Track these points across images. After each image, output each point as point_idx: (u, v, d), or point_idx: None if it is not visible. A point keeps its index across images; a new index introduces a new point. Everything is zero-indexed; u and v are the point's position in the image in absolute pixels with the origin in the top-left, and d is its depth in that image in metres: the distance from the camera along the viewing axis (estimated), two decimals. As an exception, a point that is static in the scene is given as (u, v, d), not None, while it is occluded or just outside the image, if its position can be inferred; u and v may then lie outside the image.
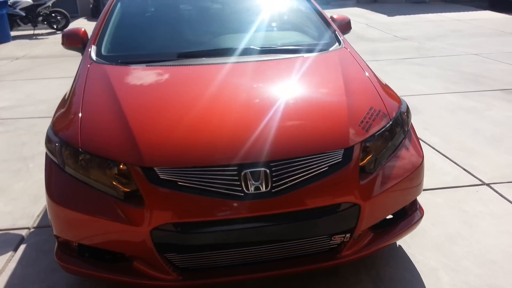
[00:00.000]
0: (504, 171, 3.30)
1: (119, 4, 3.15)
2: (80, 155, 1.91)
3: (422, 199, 2.90)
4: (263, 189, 1.78)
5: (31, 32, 11.96)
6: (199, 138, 1.88)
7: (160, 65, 2.50)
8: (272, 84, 2.30)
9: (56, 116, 2.24)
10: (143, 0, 3.34)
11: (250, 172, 1.78)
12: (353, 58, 2.64)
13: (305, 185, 1.81)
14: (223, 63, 2.51)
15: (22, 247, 2.53)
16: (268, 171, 1.79)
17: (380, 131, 2.03)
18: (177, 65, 2.50)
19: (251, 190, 1.77)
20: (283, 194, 1.79)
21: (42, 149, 3.90)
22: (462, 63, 7.14)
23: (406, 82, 5.91)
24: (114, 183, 1.84)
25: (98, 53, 2.68)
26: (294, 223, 1.82)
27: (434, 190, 3.05)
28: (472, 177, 3.22)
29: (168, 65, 2.50)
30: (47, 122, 4.57)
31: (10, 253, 2.47)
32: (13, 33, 11.21)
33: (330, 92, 2.23)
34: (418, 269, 2.27)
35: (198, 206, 1.76)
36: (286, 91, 2.20)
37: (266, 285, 2.18)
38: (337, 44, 2.84)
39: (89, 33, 3.04)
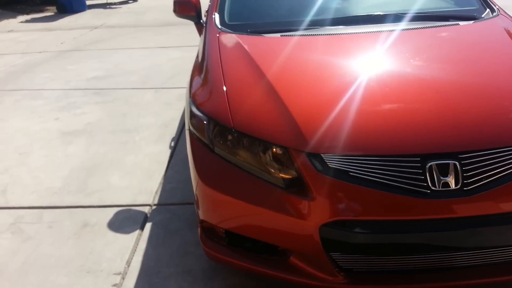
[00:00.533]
0: None
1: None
2: (232, 135, 1.73)
3: None
4: (453, 186, 1.52)
5: (104, 1, 12.13)
6: (373, 121, 1.63)
7: (300, 34, 2.27)
8: (445, 59, 2.00)
9: (194, 88, 2.08)
10: None
11: (436, 164, 1.52)
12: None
13: (504, 183, 1.53)
14: (372, 31, 2.23)
15: (148, 225, 2.45)
16: (457, 164, 1.52)
17: None
18: (319, 34, 2.25)
19: (439, 187, 1.51)
20: (478, 193, 1.52)
21: (144, 122, 3.85)
22: None
23: None
24: (274, 169, 1.65)
25: (222, 22, 2.50)
26: (489, 228, 1.55)
27: None
28: None
29: (308, 35, 2.26)
30: (142, 94, 4.55)
31: (137, 232, 2.40)
32: (88, 2, 11.40)
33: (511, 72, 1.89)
34: None
35: (374, 202, 1.53)
36: (466, 68, 1.90)
37: None
38: (489, 11, 2.47)
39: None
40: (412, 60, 1.97)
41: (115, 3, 11.89)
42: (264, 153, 1.67)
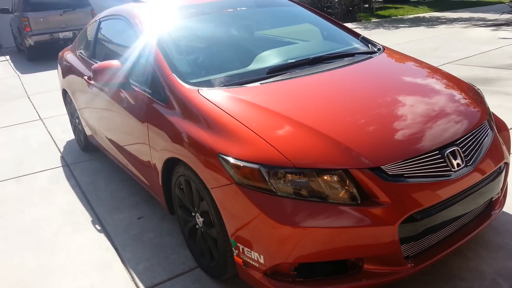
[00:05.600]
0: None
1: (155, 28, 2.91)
2: (294, 174, 1.86)
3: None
4: (462, 164, 2.04)
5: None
6: (402, 134, 2.02)
7: (272, 81, 2.48)
8: (393, 80, 2.55)
9: (220, 144, 2.05)
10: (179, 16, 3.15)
11: (449, 152, 2.02)
12: (406, 56, 3.06)
13: (484, 152, 2.16)
14: (322, 71, 2.61)
15: None
16: (458, 148, 2.06)
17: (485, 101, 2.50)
18: (286, 79, 2.49)
19: (456, 168, 2.01)
20: (476, 164, 2.08)
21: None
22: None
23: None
24: (340, 190, 1.85)
25: (185, 82, 2.47)
26: (487, 185, 2.14)
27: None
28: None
29: (276, 80, 2.48)
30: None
31: None
32: None
33: (440, 82, 2.58)
34: None
35: (427, 191, 1.92)
36: (414, 85, 2.50)
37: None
38: (372, 46, 3.21)
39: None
40: (379, 85, 2.45)
41: None
42: (328, 179, 1.85)
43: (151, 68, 2.65)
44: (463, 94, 2.45)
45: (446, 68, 6.83)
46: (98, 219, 3.24)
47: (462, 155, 2.05)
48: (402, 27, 12.63)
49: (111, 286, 2.48)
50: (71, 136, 5.20)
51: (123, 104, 2.94)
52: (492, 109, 4.75)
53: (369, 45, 3.21)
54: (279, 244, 1.85)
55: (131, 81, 2.86)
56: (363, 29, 13.04)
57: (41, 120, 6.09)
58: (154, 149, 2.56)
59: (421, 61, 2.96)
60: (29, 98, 7.47)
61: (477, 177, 2.08)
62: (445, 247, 2.07)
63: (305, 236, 1.82)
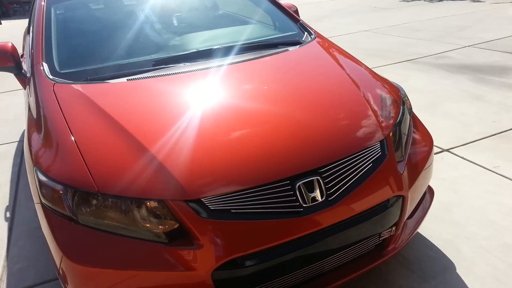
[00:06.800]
0: (452, 134, 3.61)
1: (52, 10, 2.66)
2: (98, 200, 1.57)
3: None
4: (320, 199, 1.66)
5: None
6: (240, 156, 1.65)
7: (148, 76, 2.16)
8: (281, 85, 2.12)
9: (38, 153, 1.80)
10: (79, 2, 2.86)
11: (303, 183, 1.64)
12: (335, 48, 2.60)
13: (357, 185, 1.73)
14: (210, 67, 2.26)
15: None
16: (319, 178, 1.67)
17: (399, 118, 2.03)
18: (164, 75, 2.18)
19: (309, 203, 1.64)
20: (339, 200, 1.69)
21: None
22: (360, 40, 7.64)
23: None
24: (153, 225, 1.55)
25: (53, 71, 2.23)
26: (353, 228, 1.73)
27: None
28: (430, 146, 3.47)
29: (154, 76, 2.17)
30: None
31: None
32: None
33: (342, 86, 2.15)
34: (436, 244, 2.36)
35: (258, 233, 1.56)
36: (300, 91, 2.07)
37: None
38: (307, 34, 2.78)
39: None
40: (253, 92, 2.04)
41: None
42: (139, 211, 1.56)
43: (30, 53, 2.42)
44: (366, 106, 2.00)
45: (462, 52, 6.08)
46: (13, 205, 3.13)
47: (324, 187, 1.67)
48: (447, 0, 11.50)
49: (-23, 285, 2.36)
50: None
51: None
52: (489, 107, 4.12)
53: (305, 33, 2.77)
54: (73, 280, 1.59)
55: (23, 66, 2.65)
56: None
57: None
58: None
59: (350, 57, 2.50)
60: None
61: (341, 215, 1.69)
62: None
63: (99, 276, 1.54)
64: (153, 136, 1.73)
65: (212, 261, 1.52)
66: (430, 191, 2.32)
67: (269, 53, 2.44)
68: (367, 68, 2.42)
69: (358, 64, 2.42)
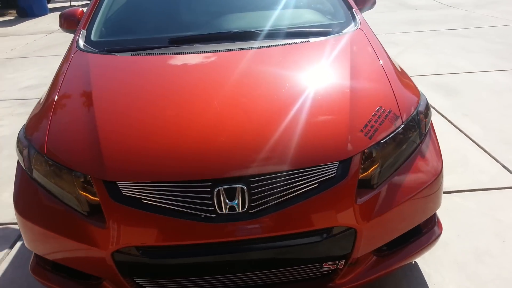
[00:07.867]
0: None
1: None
2: (46, 163, 1.73)
3: (450, 203, 2.55)
4: (239, 209, 1.52)
5: (67, 4, 12.04)
6: (169, 148, 1.61)
7: (147, 54, 2.23)
8: (265, 80, 1.97)
9: (31, 114, 2.06)
10: None
11: (224, 189, 1.52)
12: (367, 43, 2.26)
13: (288, 205, 1.54)
14: (212, 51, 2.21)
15: (18, 244, 2.44)
16: (245, 188, 1.52)
17: (388, 138, 1.69)
18: (165, 54, 2.22)
19: (225, 211, 1.52)
20: (262, 216, 1.53)
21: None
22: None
23: (448, 57, 5.33)
24: (78, 196, 1.64)
25: (87, 39, 2.46)
26: (273, 250, 1.56)
27: (466, 193, 2.67)
28: (514, 176, 2.80)
29: (156, 54, 2.22)
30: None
31: (5, 251, 2.39)
32: (50, 5, 11.31)
33: (331, 90, 1.89)
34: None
35: (164, 228, 1.54)
36: (280, 89, 1.89)
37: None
38: (352, 24, 2.46)
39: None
40: (227, 84, 1.93)
41: (78, 6, 11.80)
42: (74, 181, 1.66)
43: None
44: (345, 117, 1.70)
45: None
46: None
47: (247, 198, 1.52)
48: None
49: None
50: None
51: None
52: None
53: (351, 23, 2.47)
54: (20, 229, 1.81)
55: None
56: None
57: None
58: None
59: (377, 57, 2.13)
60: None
61: (261, 231, 1.53)
62: None
63: (37, 231, 1.72)
64: (108, 113, 1.81)
65: (113, 243, 1.56)
66: (438, 227, 1.91)
67: (282, 43, 2.26)
68: (392, 73, 2.04)
69: (383, 65, 2.06)
